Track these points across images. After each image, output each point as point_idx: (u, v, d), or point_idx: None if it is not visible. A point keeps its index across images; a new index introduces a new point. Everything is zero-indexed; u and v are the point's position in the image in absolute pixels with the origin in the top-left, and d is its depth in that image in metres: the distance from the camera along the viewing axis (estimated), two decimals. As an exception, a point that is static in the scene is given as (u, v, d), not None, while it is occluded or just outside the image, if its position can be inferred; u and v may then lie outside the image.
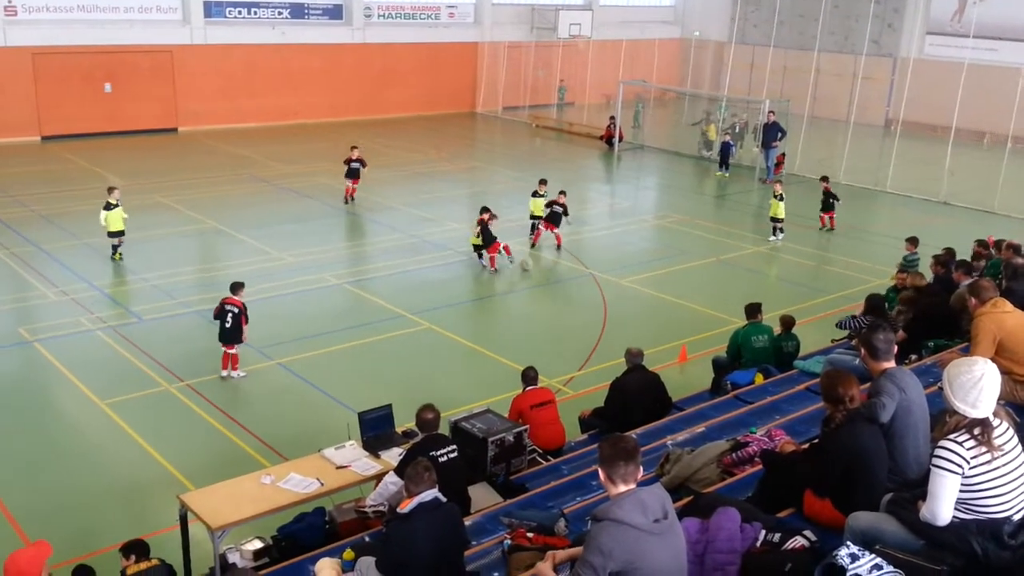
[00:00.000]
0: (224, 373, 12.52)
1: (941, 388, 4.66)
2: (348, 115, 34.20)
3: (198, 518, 7.55)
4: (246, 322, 12.52)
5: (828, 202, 21.33)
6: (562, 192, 19.56)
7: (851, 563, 4.25)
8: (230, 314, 12.39)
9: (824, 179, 21.89)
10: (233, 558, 7.58)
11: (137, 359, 13.11)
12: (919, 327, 10.67)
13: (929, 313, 10.83)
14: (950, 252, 13.12)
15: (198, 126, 31.09)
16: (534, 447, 9.30)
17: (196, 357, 13.20)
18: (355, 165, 21.92)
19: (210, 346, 13.70)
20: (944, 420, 4.58)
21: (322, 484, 7.94)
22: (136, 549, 6.90)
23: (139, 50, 29.64)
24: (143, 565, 6.74)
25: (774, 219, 20.22)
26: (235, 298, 12.51)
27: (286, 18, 32.86)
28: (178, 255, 18.19)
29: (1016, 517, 4.45)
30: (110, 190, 17.20)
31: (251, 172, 25.50)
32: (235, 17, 31.86)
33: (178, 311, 15.08)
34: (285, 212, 21.54)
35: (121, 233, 17.14)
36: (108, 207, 16.88)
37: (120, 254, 17.24)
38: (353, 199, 22.12)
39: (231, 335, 12.48)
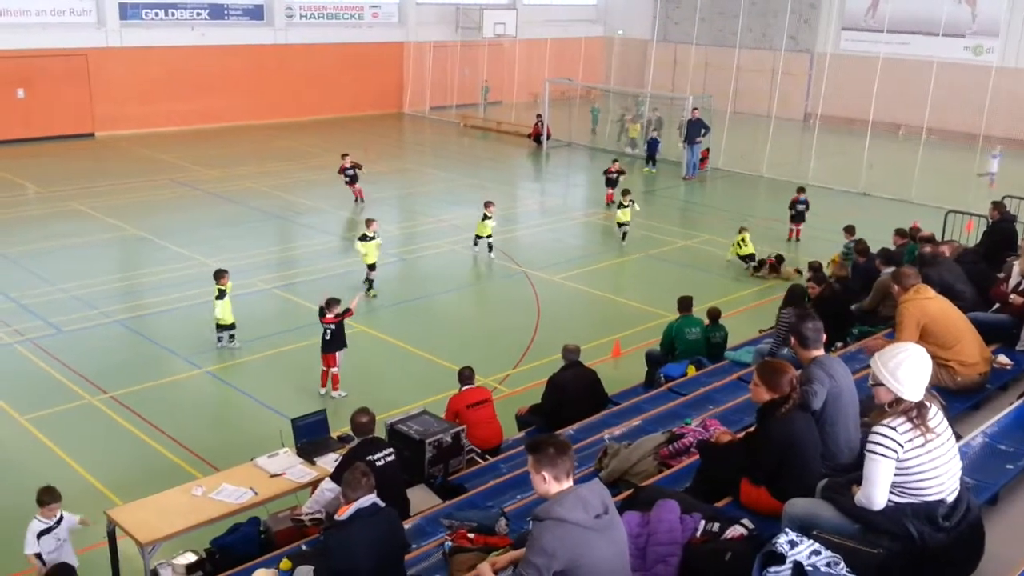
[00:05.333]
0: (323, 391, 12.12)
1: (874, 376, 4.72)
2: (272, 117, 33.58)
3: (127, 534, 7.32)
4: (350, 314, 12.22)
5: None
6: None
7: (790, 550, 4.29)
8: (328, 331, 11.97)
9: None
10: (165, 573, 7.34)
11: (58, 372, 12.64)
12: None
13: (827, 303, 10.96)
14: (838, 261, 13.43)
15: (116, 131, 30.15)
16: (472, 447, 9.24)
17: (120, 368, 12.80)
18: (350, 172, 22.02)
19: (134, 356, 13.35)
20: (881, 407, 4.66)
21: (256, 493, 7.77)
22: (61, 574, 6.64)
23: (53, 54, 28.56)
24: (68, 588, 6.48)
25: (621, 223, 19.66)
26: (328, 316, 11.95)
27: (205, 19, 32.09)
28: (98, 263, 17.60)
29: (949, 499, 4.56)
30: (368, 222, 16.17)
31: (172, 177, 24.83)
32: (152, 19, 31.00)
33: (99, 321, 14.58)
34: (209, 217, 21.03)
35: (374, 266, 16.04)
36: (364, 239, 15.81)
37: (373, 292, 16.06)
38: (361, 200, 22.33)
39: (327, 345, 12.01)
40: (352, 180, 22.20)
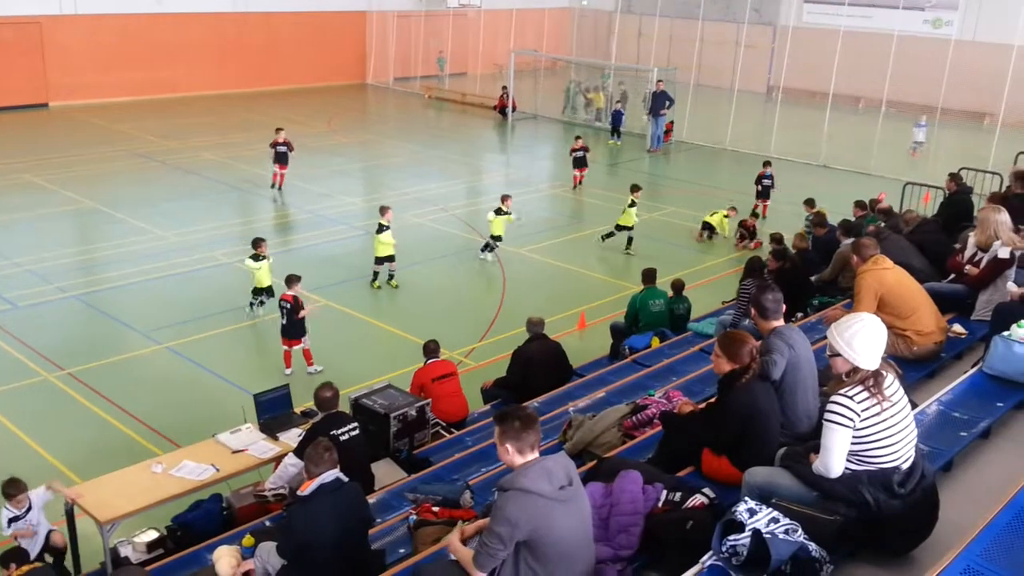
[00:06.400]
0: (288, 371, 11.86)
1: (831, 347, 4.77)
2: (232, 87, 33.01)
3: (85, 512, 7.22)
4: (298, 316, 11.79)
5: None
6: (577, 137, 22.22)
7: (749, 518, 4.35)
8: (284, 310, 11.78)
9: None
10: (125, 551, 7.27)
11: (13, 348, 12.39)
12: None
13: (787, 274, 11.05)
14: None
15: (71, 101, 29.46)
16: (437, 420, 9.25)
17: (77, 344, 12.59)
18: (282, 149, 20.05)
19: (91, 332, 13.14)
20: (838, 376, 4.71)
21: (217, 470, 7.71)
22: (15, 557, 6.59)
23: (4, 22, 27.74)
24: (24, 569, 6.41)
25: (622, 227, 17.48)
26: (287, 292, 11.79)
27: (162, -14, 31.36)
28: (53, 237, 17.23)
29: (904, 466, 4.63)
30: (382, 210, 14.95)
31: (130, 148, 24.34)
32: (107, -15, 30.23)
33: (55, 296, 14.32)
34: (168, 189, 20.66)
35: (391, 258, 14.97)
36: (380, 229, 14.73)
37: (378, 283, 15.07)
38: (280, 187, 20.47)
39: (286, 331, 11.84)
40: (281, 159, 20.12)
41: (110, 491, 7.42)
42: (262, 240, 13.44)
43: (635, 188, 17.75)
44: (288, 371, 11.90)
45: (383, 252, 14.87)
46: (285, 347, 11.98)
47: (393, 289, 15.02)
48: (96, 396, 11.21)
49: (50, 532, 7.46)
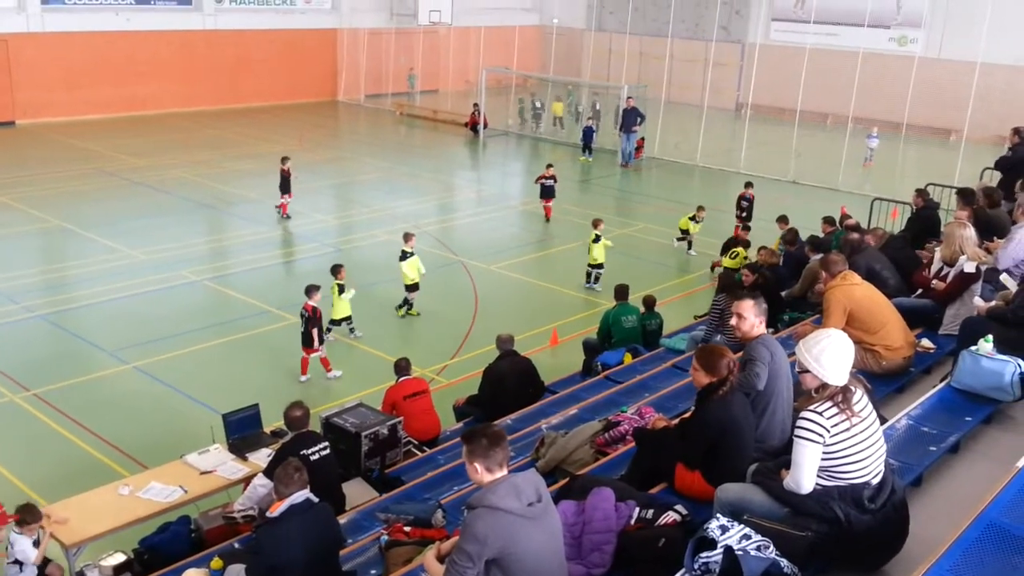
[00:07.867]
0: (303, 378, 12.10)
1: (799, 364, 4.79)
2: (202, 105, 32.84)
3: (51, 535, 7.07)
4: (312, 327, 12.01)
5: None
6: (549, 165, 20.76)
7: (721, 534, 4.35)
8: (303, 318, 12.07)
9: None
10: (92, 575, 7.13)
11: (-24, 370, 12.18)
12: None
13: (759, 290, 11.17)
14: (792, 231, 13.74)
15: (38, 119, 29.16)
16: (409, 438, 9.19)
17: (42, 364, 12.38)
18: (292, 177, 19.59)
19: (57, 352, 12.94)
20: (807, 392, 4.73)
21: (185, 491, 7.60)
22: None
23: (-33, 39, 27.51)
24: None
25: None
26: (308, 302, 12.03)
27: (131, 4, 31.14)
28: (20, 256, 16.98)
29: (874, 481, 4.65)
30: (406, 237, 14.57)
31: (98, 166, 24.09)
32: (75, 3, 29.96)
33: (21, 316, 14.09)
34: (136, 207, 20.45)
35: (416, 287, 14.54)
36: (404, 256, 14.37)
37: (408, 311, 14.63)
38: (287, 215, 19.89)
39: (305, 339, 12.10)
40: (286, 188, 19.64)
41: (76, 514, 7.29)
42: (340, 266, 13.44)
43: (740, 238, 16.81)
44: (304, 378, 12.06)
45: (410, 279, 14.50)
46: (304, 354, 12.12)
47: (402, 316, 14.67)
48: (62, 417, 11.02)
49: (48, 563, 7.24)
